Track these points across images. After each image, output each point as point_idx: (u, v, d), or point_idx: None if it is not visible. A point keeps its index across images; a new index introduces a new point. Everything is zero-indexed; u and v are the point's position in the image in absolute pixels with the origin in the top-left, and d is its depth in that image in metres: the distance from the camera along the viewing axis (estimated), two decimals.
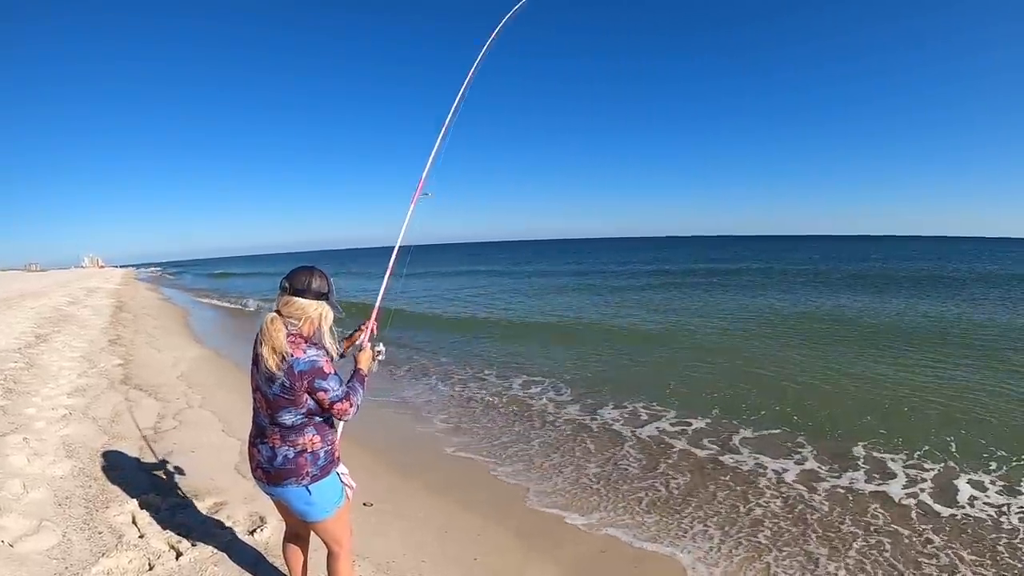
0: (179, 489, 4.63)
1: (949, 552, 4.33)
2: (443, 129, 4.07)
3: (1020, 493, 5.28)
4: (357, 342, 2.99)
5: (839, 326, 15.39)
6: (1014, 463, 5.93)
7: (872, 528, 4.69)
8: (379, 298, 3.53)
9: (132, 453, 5.39)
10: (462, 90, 4.21)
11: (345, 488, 2.64)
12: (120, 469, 4.84)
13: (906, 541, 4.51)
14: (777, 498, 5.22)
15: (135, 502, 4.06)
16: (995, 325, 14.72)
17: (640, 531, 4.63)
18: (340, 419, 2.54)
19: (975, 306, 18.73)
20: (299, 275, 2.46)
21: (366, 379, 2.74)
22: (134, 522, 3.78)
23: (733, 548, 4.36)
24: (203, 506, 4.29)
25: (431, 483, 5.42)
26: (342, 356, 2.87)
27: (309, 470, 2.46)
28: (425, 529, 4.43)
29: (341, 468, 2.65)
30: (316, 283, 2.45)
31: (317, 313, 2.48)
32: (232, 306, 24.80)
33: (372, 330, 3.13)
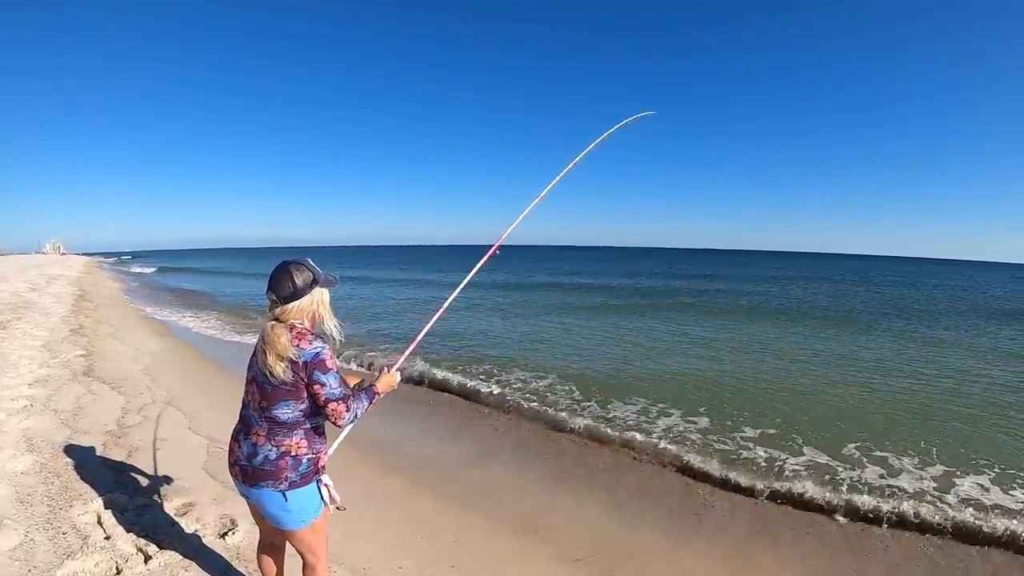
0: (145, 488, 4.50)
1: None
2: (531, 204, 4.48)
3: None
4: (390, 371, 2.85)
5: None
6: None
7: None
8: (423, 331, 3.52)
9: (96, 449, 5.21)
10: (558, 177, 4.72)
11: (325, 500, 2.53)
12: (84, 465, 4.68)
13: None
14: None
15: (100, 501, 3.92)
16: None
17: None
18: (335, 422, 2.41)
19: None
20: (280, 282, 2.36)
21: (376, 398, 2.62)
22: (100, 522, 3.64)
23: None
24: (171, 507, 4.17)
25: (406, 485, 5.35)
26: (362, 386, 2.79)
27: (288, 475, 2.35)
28: (401, 533, 4.37)
29: (325, 479, 2.53)
30: (300, 279, 2.36)
31: (316, 304, 2.43)
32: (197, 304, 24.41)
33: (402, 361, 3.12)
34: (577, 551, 4.43)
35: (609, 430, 7.23)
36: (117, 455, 5.16)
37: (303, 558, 2.62)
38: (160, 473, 4.82)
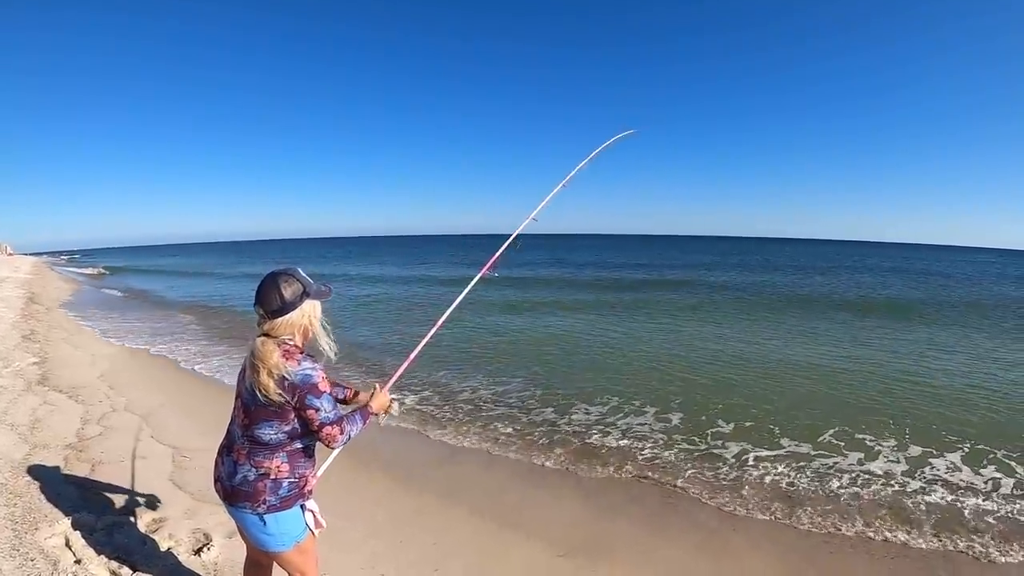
0: (113, 505, 4.36)
1: None
2: (523, 223, 4.66)
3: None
4: (384, 388, 2.77)
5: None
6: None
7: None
8: (419, 347, 3.40)
9: (57, 464, 5.02)
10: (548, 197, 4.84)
11: (309, 525, 2.43)
12: (46, 484, 4.49)
13: None
14: None
15: (67, 522, 3.76)
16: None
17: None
18: (328, 445, 2.32)
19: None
20: (268, 296, 2.24)
21: (370, 417, 2.54)
22: (68, 545, 3.49)
23: None
24: (141, 524, 4.03)
25: (382, 492, 5.28)
26: (354, 404, 2.71)
27: (267, 498, 2.25)
28: (380, 540, 4.33)
29: (310, 504, 2.43)
30: (289, 292, 2.23)
31: (306, 318, 2.31)
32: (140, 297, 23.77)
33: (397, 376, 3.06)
34: (559, 546, 4.47)
35: (571, 427, 7.33)
36: (80, 470, 4.99)
37: None
38: (127, 487, 4.69)
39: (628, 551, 4.48)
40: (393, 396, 2.79)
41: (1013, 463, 6.27)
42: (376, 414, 2.62)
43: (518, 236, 4.49)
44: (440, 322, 3.61)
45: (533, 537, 4.58)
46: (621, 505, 5.27)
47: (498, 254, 4.25)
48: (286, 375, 2.16)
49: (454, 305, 3.74)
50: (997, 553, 4.57)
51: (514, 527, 4.73)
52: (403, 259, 56.00)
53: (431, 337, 3.49)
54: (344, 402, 2.74)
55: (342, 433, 2.29)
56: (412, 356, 3.33)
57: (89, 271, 42.05)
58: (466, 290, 3.90)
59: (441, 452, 6.51)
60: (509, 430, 7.21)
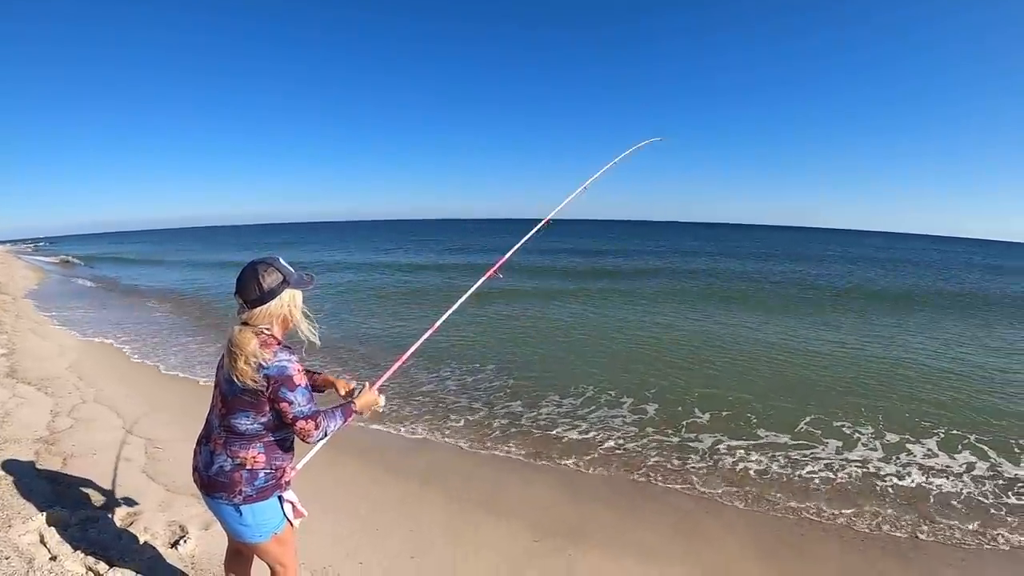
0: (87, 499, 4.32)
1: None
2: (538, 227, 4.59)
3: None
4: (372, 387, 2.73)
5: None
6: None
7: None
8: (415, 346, 3.37)
9: (28, 459, 4.94)
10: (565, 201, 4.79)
11: (288, 516, 2.44)
12: (18, 478, 4.43)
13: None
14: None
15: (41, 518, 3.72)
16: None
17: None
18: (303, 440, 2.29)
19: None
20: (248, 284, 2.22)
21: (353, 415, 2.50)
22: (43, 542, 3.46)
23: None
24: (116, 518, 4.00)
25: (355, 479, 5.31)
26: (349, 396, 2.70)
27: (243, 488, 2.25)
28: (357, 529, 4.37)
29: (288, 495, 2.43)
30: (268, 280, 2.22)
31: (286, 308, 2.29)
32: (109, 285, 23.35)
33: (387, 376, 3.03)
34: (535, 530, 4.56)
35: (544, 416, 7.42)
36: (52, 464, 4.94)
37: (271, 569, 2.56)
38: (100, 481, 4.65)
39: (602, 534, 4.58)
40: (381, 393, 2.75)
41: (985, 447, 6.55)
42: (360, 412, 2.58)
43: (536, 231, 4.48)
44: (437, 324, 3.55)
45: (508, 523, 4.66)
46: (594, 491, 5.38)
47: (506, 257, 4.19)
48: (263, 364, 2.15)
49: (454, 308, 3.68)
50: (963, 536, 4.79)
51: (489, 513, 4.81)
52: (404, 244, 54.39)
53: (426, 339, 3.44)
54: (314, 388, 2.72)
55: (317, 428, 2.26)
56: (405, 356, 3.28)
57: (56, 259, 41.02)
58: (468, 292, 3.82)
59: (416, 440, 6.55)
60: (478, 417, 7.29)
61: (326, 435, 2.33)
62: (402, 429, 6.86)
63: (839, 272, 29.78)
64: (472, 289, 3.85)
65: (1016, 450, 6.49)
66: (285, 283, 2.27)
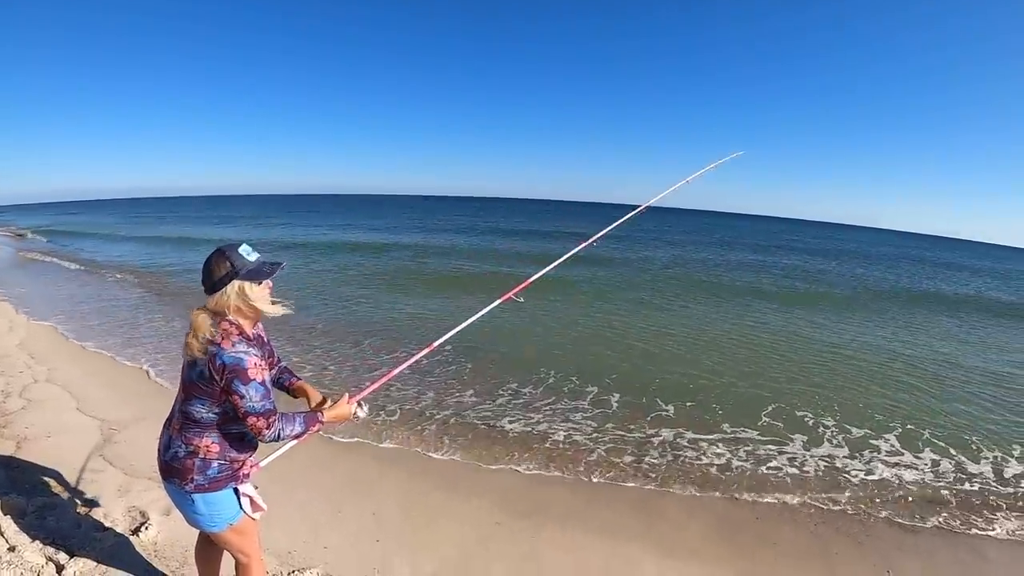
0: (43, 485, 4.27)
1: None
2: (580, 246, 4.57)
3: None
4: (351, 400, 2.65)
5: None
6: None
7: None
8: (405, 364, 3.26)
9: None
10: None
11: (245, 509, 2.42)
12: None
13: None
14: None
15: None
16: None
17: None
18: (256, 437, 2.26)
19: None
20: (204, 271, 2.23)
21: (318, 426, 2.44)
22: (0, 532, 3.44)
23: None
24: (75, 504, 3.98)
25: (317, 462, 5.29)
26: (295, 395, 2.70)
27: (195, 477, 2.24)
28: (320, 512, 4.40)
29: (246, 488, 2.41)
30: (217, 271, 2.19)
31: (231, 300, 2.21)
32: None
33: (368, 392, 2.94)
34: (497, 513, 4.66)
35: (504, 403, 7.54)
36: (6, 448, 4.85)
37: (234, 558, 2.57)
38: (56, 466, 4.59)
39: (563, 513, 4.70)
40: (360, 404, 2.68)
41: (927, 433, 6.90)
42: (327, 424, 2.51)
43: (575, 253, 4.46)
44: (434, 345, 3.43)
45: (471, 504, 4.76)
46: (556, 475, 5.49)
47: (533, 279, 4.09)
48: (215, 349, 2.13)
49: (456, 330, 3.52)
50: (910, 520, 5.06)
51: (452, 495, 4.90)
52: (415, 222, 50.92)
53: (419, 358, 3.34)
54: (287, 390, 2.74)
55: (269, 428, 2.22)
56: (392, 373, 3.19)
57: (6, 231, 39.00)
58: (474, 317, 3.67)
59: (367, 426, 6.55)
60: (448, 402, 7.35)
61: (279, 437, 2.27)
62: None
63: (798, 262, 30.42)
64: (481, 312, 3.72)
65: (965, 438, 6.89)
66: (233, 275, 2.20)
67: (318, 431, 2.46)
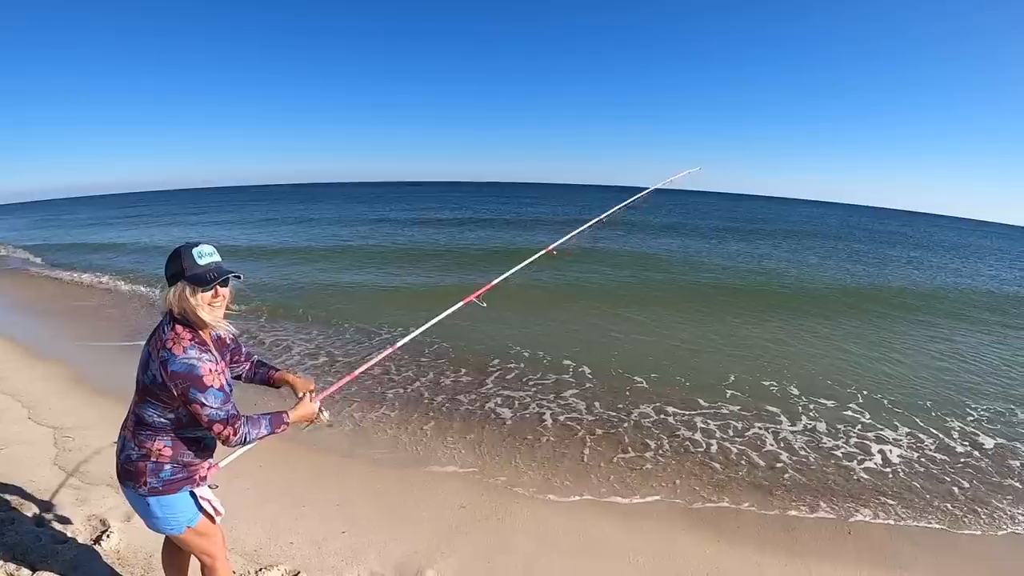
0: None
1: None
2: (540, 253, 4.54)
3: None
4: (315, 399, 2.64)
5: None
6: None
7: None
8: (369, 364, 3.26)
9: None
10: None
11: (206, 510, 2.42)
12: None
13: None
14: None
15: None
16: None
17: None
18: (222, 443, 2.23)
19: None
20: (165, 267, 2.18)
21: (284, 427, 2.40)
22: None
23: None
24: (32, 517, 3.93)
25: (278, 457, 5.27)
26: (277, 386, 2.70)
27: (148, 479, 2.22)
28: (283, 508, 4.44)
29: (202, 491, 2.40)
30: (170, 270, 2.15)
31: (178, 301, 2.14)
32: None
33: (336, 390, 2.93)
34: (462, 495, 4.82)
35: (466, 388, 7.79)
36: None
37: (199, 559, 2.56)
38: (10, 478, 4.50)
39: (529, 487, 4.84)
40: (322, 408, 2.66)
41: (869, 417, 7.14)
42: (292, 424, 2.47)
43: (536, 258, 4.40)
44: (398, 344, 3.45)
45: (434, 491, 4.87)
46: (518, 460, 5.61)
47: (492, 284, 4.07)
48: (165, 355, 2.09)
49: (421, 330, 3.52)
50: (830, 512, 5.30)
51: (415, 481, 5.00)
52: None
53: (384, 357, 3.35)
54: (267, 383, 2.73)
55: (235, 434, 2.19)
56: (356, 373, 3.20)
57: None
58: (440, 316, 3.66)
59: (333, 404, 6.58)
60: (407, 385, 7.44)
61: (246, 441, 2.26)
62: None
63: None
64: (444, 314, 3.70)
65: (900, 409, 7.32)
66: (180, 276, 2.14)
67: (284, 431, 2.42)
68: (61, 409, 6.20)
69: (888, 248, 30.35)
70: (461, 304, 3.88)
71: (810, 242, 29.64)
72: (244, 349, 2.65)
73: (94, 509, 4.13)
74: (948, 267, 23.55)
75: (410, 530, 4.25)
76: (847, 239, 33.75)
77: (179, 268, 2.13)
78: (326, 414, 2.67)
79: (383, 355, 3.38)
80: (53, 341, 9.29)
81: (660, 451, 5.79)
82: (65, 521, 3.92)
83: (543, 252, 4.66)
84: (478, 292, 4.01)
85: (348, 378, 3.16)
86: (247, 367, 2.69)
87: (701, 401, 7.05)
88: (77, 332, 9.80)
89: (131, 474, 2.24)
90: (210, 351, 2.23)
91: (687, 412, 6.74)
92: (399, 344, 3.49)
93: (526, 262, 4.36)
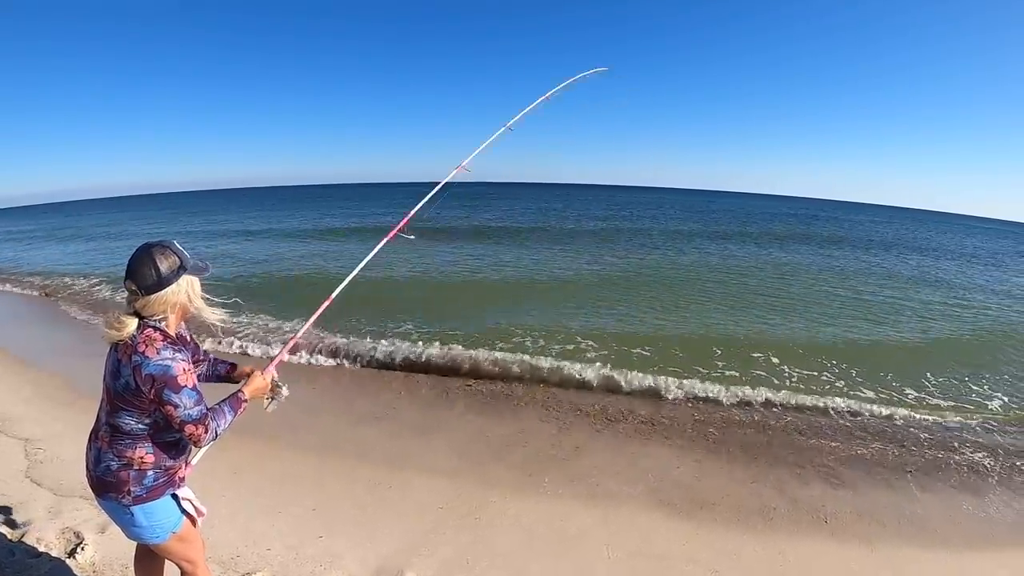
0: None
1: None
2: (453, 172, 4.23)
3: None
4: (264, 371, 2.62)
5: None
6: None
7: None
8: (308, 324, 3.22)
9: None
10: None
11: (189, 512, 2.40)
12: None
13: None
14: None
15: None
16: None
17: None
18: (194, 445, 2.19)
19: None
20: (140, 270, 2.05)
21: (243, 405, 2.40)
22: None
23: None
24: (4, 532, 3.88)
25: (252, 461, 5.29)
26: (235, 379, 2.66)
27: (131, 488, 2.17)
28: (259, 513, 4.44)
29: (184, 492, 2.37)
30: (165, 265, 2.08)
31: (184, 295, 2.15)
32: None
33: (280, 359, 2.85)
34: (443, 494, 4.86)
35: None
36: None
37: (179, 567, 2.53)
38: None
39: (507, 483, 4.90)
40: (277, 382, 2.66)
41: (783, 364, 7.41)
42: (250, 400, 2.48)
43: (443, 186, 4.12)
44: (332, 296, 3.39)
45: (414, 487, 4.93)
46: (496, 459, 5.68)
47: (415, 210, 3.89)
48: (138, 359, 2.04)
49: (349, 279, 3.44)
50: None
51: (393, 476, 5.07)
52: (295, 212, 48.84)
53: (320, 313, 3.28)
54: (226, 378, 2.70)
55: (207, 432, 2.17)
56: (297, 336, 3.17)
57: None
58: (368, 257, 3.57)
59: (307, 404, 6.62)
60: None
61: (216, 436, 2.23)
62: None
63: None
64: (370, 255, 3.61)
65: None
66: (182, 268, 2.13)
67: (244, 410, 2.41)
68: (29, 418, 6.11)
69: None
70: (384, 241, 3.75)
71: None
72: (200, 347, 2.60)
73: (68, 522, 4.08)
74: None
75: (388, 532, 4.28)
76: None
77: (177, 262, 2.12)
78: (285, 388, 2.66)
79: (319, 311, 3.30)
80: (18, 346, 9.13)
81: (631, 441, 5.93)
82: (39, 535, 3.86)
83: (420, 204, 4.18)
84: (398, 227, 3.85)
85: (290, 342, 3.14)
86: (204, 365, 2.64)
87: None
88: (49, 335, 9.65)
89: (112, 485, 2.17)
90: (183, 349, 2.18)
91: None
92: (334, 295, 3.40)
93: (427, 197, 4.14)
